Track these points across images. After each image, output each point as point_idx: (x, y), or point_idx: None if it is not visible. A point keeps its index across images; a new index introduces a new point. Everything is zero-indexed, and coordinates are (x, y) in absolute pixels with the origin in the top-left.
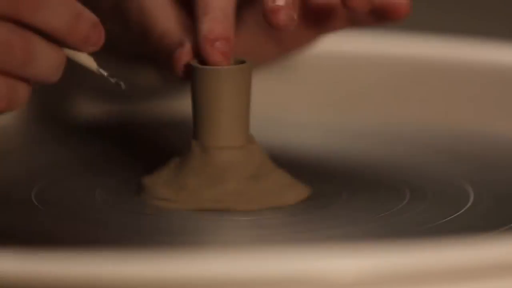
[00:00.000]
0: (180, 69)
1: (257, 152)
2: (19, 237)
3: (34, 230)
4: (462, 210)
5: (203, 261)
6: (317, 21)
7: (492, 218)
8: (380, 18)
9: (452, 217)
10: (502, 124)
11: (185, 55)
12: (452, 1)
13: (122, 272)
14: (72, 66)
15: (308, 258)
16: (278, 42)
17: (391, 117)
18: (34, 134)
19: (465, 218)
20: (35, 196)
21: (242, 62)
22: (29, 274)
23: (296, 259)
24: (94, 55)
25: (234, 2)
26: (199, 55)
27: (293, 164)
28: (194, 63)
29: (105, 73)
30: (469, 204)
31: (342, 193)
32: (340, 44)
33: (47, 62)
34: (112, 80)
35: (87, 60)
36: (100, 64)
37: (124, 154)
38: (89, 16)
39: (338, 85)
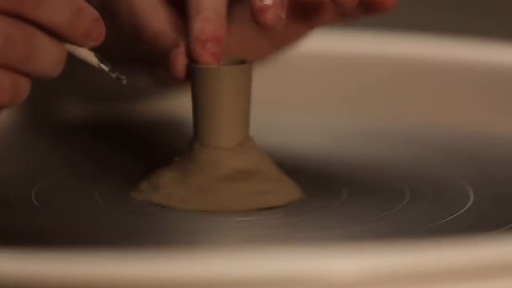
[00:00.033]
0: (177, 69)
1: (255, 151)
2: (18, 237)
3: (34, 230)
4: (462, 210)
5: (203, 261)
6: (307, 15)
7: (492, 218)
8: (367, 11)
9: (452, 217)
10: (502, 124)
11: (181, 55)
12: (452, 1)
13: (122, 272)
14: (68, 65)
15: (308, 258)
16: (270, 39)
17: (391, 117)
18: (29, 134)
19: (465, 218)
20: (35, 196)
21: (242, 62)
22: (29, 274)
23: (296, 259)
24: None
25: (226, 1)
26: (191, 55)
27: (292, 164)
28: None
29: (106, 68)
30: (469, 204)
31: (342, 193)
32: (340, 44)
33: (48, 57)
34: (113, 75)
35: (88, 55)
36: (101, 59)
37: (123, 154)
38: (90, 11)
39: (338, 85)
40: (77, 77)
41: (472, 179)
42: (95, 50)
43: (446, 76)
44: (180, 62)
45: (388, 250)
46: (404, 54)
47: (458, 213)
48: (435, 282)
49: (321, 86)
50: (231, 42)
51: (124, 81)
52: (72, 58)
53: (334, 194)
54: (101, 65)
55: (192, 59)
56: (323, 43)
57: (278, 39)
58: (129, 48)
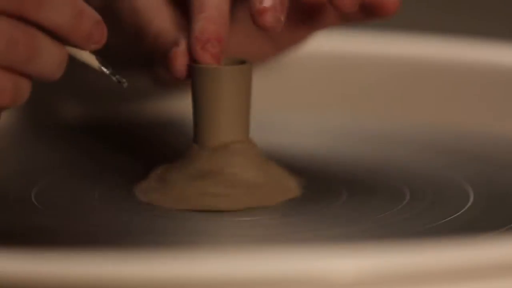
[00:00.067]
0: (177, 69)
1: (255, 151)
2: (18, 237)
3: (34, 230)
4: (462, 210)
5: (203, 261)
6: (308, 18)
7: (492, 218)
8: (369, 15)
9: (452, 217)
10: (502, 124)
11: (180, 54)
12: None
13: (122, 272)
14: (68, 66)
15: (308, 258)
16: (272, 40)
17: (391, 117)
18: (29, 134)
19: (465, 218)
20: (35, 196)
21: (243, 62)
22: (29, 274)
23: (296, 259)
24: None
25: (229, 0)
26: (191, 54)
27: (292, 164)
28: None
29: (107, 71)
30: (469, 204)
31: (342, 193)
32: (340, 44)
33: (50, 58)
34: (114, 78)
35: (89, 58)
36: (102, 62)
37: (123, 154)
38: (92, 14)
39: (338, 85)
40: (77, 77)
41: (472, 179)
42: (96, 52)
43: (446, 76)
44: (180, 62)
45: (388, 250)
46: (404, 54)
47: (458, 213)
48: (435, 282)
49: (321, 86)
50: (233, 42)
51: (125, 84)
52: (72, 59)
53: (334, 194)
54: (102, 68)
55: (192, 59)
56: (323, 43)
57: (280, 41)
58: (131, 48)
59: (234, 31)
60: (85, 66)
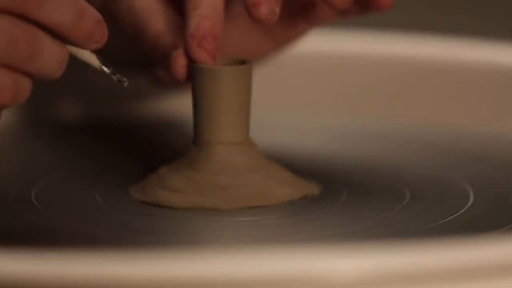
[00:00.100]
0: (177, 70)
1: (255, 151)
2: (18, 237)
3: (34, 230)
4: (462, 210)
5: (203, 261)
6: (306, 13)
7: (492, 218)
8: (365, 9)
9: (452, 217)
10: (502, 124)
11: (180, 56)
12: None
13: (122, 272)
14: (68, 65)
15: (308, 258)
16: (270, 37)
17: (391, 117)
18: (29, 134)
19: (465, 218)
20: (35, 196)
21: (243, 62)
22: (29, 274)
23: (296, 259)
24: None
25: None
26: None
27: (292, 164)
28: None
29: (108, 70)
30: (469, 204)
31: (342, 193)
32: (340, 44)
33: (50, 57)
34: (115, 77)
35: (89, 57)
36: (102, 62)
37: (123, 154)
38: (93, 13)
39: (338, 85)
40: (78, 77)
41: (472, 179)
42: (97, 51)
43: (446, 76)
44: (180, 63)
45: (388, 250)
46: (404, 54)
47: (458, 213)
48: (435, 282)
49: (321, 86)
50: (231, 40)
51: (126, 84)
52: (72, 59)
53: (334, 194)
54: (103, 67)
55: (188, 57)
56: (323, 43)
57: (278, 37)
58: (130, 48)
59: (232, 28)
60: (85, 65)
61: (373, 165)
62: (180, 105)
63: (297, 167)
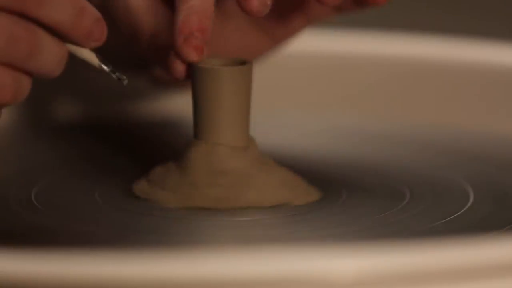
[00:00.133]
0: (176, 69)
1: (255, 152)
2: (18, 237)
3: (34, 230)
4: (462, 210)
5: (203, 261)
6: (302, 10)
7: (492, 218)
8: (361, 5)
9: (452, 217)
10: (502, 124)
11: None
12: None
13: (122, 272)
14: (68, 65)
15: (308, 258)
16: (267, 33)
17: (391, 117)
18: (29, 134)
19: (465, 218)
20: (35, 196)
21: (243, 62)
22: (29, 274)
23: (296, 259)
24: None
25: None
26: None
27: (292, 164)
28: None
29: (107, 69)
30: (469, 204)
31: (342, 193)
32: (340, 44)
33: (50, 56)
34: (114, 75)
35: (89, 56)
36: (102, 60)
37: (123, 154)
38: (93, 12)
39: (338, 85)
40: (78, 77)
41: (472, 179)
42: (96, 50)
43: (446, 76)
44: (179, 62)
45: (388, 250)
46: (404, 54)
47: (458, 213)
48: (435, 282)
49: (321, 86)
50: (228, 38)
51: (125, 82)
52: (72, 58)
53: (334, 194)
54: (102, 65)
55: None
56: (323, 43)
57: (275, 34)
58: (127, 47)
59: (226, 25)
60: (85, 65)
61: (373, 165)
62: (180, 105)
63: (297, 167)
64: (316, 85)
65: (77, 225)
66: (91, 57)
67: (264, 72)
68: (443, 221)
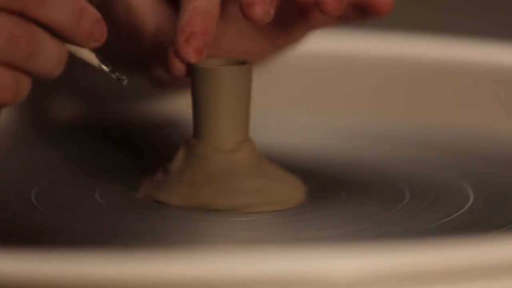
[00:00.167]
0: (176, 67)
1: (255, 152)
2: (18, 237)
3: (34, 230)
4: (462, 210)
5: (203, 261)
6: (303, 18)
7: (492, 218)
8: (364, 15)
9: (452, 217)
10: (502, 124)
11: None
12: (452, 1)
13: (122, 272)
14: (68, 65)
15: (308, 258)
16: (268, 40)
17: (391, 117)
18: (29, 134)
19: (465, 218)
20: (35, 196)
21: (243, 63)
22: (29, 274)
23: (296, 259)
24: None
25: None
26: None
27: (292, 165)
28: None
29: (107, 69)
30: (469, 204)
31: (341, 193)
32: (340, 45)
33: (50, 56)
34: (114, 76)
35: (89, 56)
36: (102, 60)
37: (123, 154)
38: (92, 12)
39: (338, 85)
40: (78, 77)
41: (472, 179)
42: (96, 50)
43: (446, 76)
44: (176, 61)
45: (388, 250)
46: (404, 54)
47: (458, 213)
48: (435, 282)
49: (321, 86)
50: (230, 42)
51: (125, 82)
52: (72, 58)
53: (334, 194)
54: (102, 66)
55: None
56: (323, 43)
57: (276, 41)
58: (128, 48)
59: (229, 30)
60: (85, 65)
61: (373, 165)
62: (180, 105)
63: (296, 167)
64: (316, 85)
65: (77, 225)
66: (91, 57)
67: (264, 72)
68: (443, 221)
